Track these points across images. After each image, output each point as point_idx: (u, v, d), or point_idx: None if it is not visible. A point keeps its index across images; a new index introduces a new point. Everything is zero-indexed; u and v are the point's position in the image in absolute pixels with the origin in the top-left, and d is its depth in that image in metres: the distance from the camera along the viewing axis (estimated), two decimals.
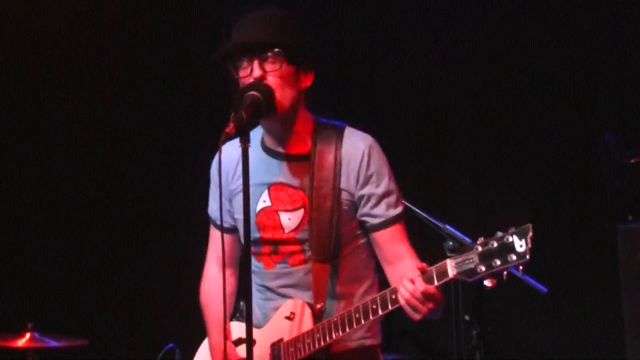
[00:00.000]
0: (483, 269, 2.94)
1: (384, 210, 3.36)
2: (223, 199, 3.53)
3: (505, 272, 2.93)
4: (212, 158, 3.55)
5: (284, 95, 3.29)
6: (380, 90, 5.96)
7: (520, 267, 2.90)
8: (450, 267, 3.01)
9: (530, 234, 2.88)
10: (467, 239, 4.55)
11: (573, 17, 5.42)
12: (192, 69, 6.07)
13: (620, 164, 4.94)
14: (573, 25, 5.42)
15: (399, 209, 3.40)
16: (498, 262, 2.91)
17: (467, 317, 4.97)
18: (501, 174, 5.58)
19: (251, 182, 3.28)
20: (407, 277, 3.08)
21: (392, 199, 3.38)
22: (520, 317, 5.47)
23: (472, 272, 2.96)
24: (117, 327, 5.87)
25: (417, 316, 3.10)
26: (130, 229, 5.98)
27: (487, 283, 2.96)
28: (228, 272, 3.63)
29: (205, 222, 3.68)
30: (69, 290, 5.85)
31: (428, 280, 3.05)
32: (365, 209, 3.36)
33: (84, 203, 5.98)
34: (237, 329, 3.54)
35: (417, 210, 4.47)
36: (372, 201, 3.36)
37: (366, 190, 3.36)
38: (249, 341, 3.00)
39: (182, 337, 3.81)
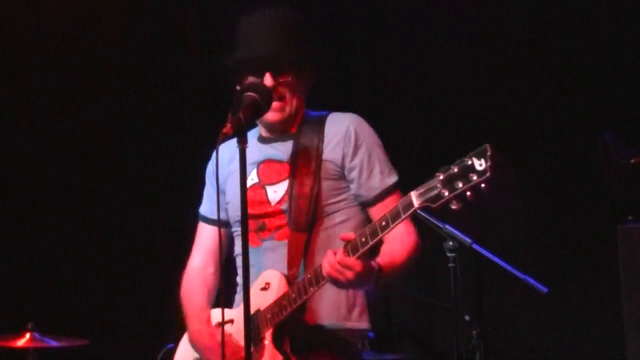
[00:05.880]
0: (446, 193, 2.93)
1: (378, 182, 3.39)
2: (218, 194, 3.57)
3: (469, 193, 2.91)
4: (208, 159, 3.64)
5: (292, 103, 3.40)
6: (379, 86, 5.96)
7: (483, 185, 2.89)
8: (415, 197, 3.00)
9: (489, 152, 2.89)
10: (467, 239, 4.55)
11: (573, 16, 5.42)
12: (191, 69, 6.06)
13: (620, 164, 4.93)
14: (573, 25, 5.42)
15: (394, 178, 3.42)
16: (460, 184, 2.92)
17: (467, 317, 4.97)
18: None
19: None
20: (332, 250, 3.12)
21: (386, 168, 3.40)
22: (520, 317, 5.47)
23: (437, 197, 2.95)
24: (117, 327, 5.87)
25: (340, 286, 3.14)
26: (130, 229, 5.98)
27: (453, 206, 2.95)
28: (212, 265, 3.66)
29: None
30: (69, 290, 5.85)
31: (358, 245, 3.07)
32: (360, 181, 3.38)
33: (84, 203, 5.98)
34: (214, 314, 3.58)
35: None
36: (365, 172, 3.38)
37: (357, 161, 3.37)
38: (247, 332, 3.00)
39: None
